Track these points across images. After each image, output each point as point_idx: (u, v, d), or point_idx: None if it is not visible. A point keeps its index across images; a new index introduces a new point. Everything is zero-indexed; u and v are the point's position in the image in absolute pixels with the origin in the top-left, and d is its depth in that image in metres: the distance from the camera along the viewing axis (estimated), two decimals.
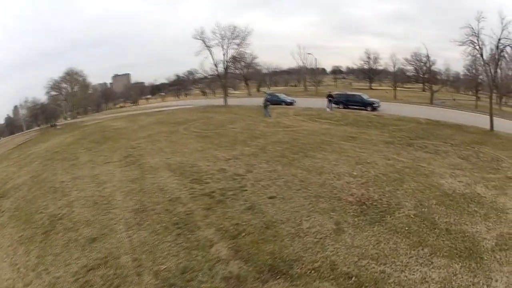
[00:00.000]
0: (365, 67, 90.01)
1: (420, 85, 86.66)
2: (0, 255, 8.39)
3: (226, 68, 41.39)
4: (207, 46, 39.18)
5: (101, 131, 26.84)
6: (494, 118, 22.40)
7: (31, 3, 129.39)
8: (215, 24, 41.33)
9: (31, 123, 65.86)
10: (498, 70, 23.57)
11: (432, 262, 6.50)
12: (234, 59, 42.69)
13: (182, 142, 18.41)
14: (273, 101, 35.89)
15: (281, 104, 37.20)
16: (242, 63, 61.82)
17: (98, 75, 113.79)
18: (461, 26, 23.00)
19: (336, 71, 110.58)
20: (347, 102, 33.86)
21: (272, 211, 9.05)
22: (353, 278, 6.18)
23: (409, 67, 68.90)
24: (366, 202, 9.48)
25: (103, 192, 11.36)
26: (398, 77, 59.51)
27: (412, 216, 8.58)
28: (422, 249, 6.95)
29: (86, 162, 16.23)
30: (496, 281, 5.93)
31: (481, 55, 23.26)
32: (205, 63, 48.39)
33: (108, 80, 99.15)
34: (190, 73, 47.29)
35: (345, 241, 7.45)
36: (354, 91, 44.56)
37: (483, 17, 22.00)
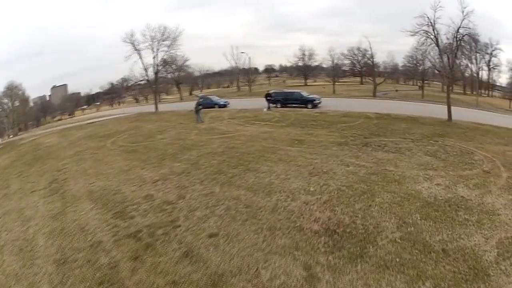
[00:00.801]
0: (299, 64, 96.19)
1: (357, 79, 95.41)
2: None
3: (156, 73, 42.81)
4: (136, 49, 40.66)
5: (34, 150, 26.39)
6: (443, 106, 24.20)
7: None
8: (145, 26, 43.06)
9: None
10: (446, 59, 25.27)
11: None
12: (165, 62, 44.45)
13: (108, 160, 17.81)
14: (206, 104, 37.02)
15: (214, 107, 38.69)
16: (173, 66, 64.60)
17: (38, 87, 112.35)
18: (415, 15, 24.42)
19: (269, 70, 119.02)
20: (285, 100, 33.88)
21: (217, 257, 7.61)
22: None
23: (346, 61, 73.93)
24: (337, 230, 8.12)
25: (27, 234, 10.48)
26: (336, 72, 62.64)
27: (399, 240, 7.52)
28: (423, 284, 6.22)
29: (16, 191, 15.37)
30: None
31: (437, 45, 24.72)
32: (135, 68, 48.13)
33: (48, 92, 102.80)
34: (124, 80, 48.18)
35: None
36: (289, 89, 45.23)
37: (440, 7, 23.48)
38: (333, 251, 7.28)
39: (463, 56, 63.81)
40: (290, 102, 33.70)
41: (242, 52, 72.10)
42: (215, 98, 42.65)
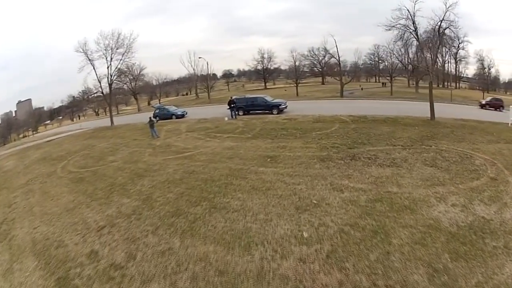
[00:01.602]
0: (258, 67, 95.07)
1: (319, 79, 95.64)
2: None
3: (110, 84, 40.46)
4: (89, 59, 38.53)
5: None
6: (416, 103, 23.15)
7: None
8: (98, 33, 39.96)
9: None
10: (428, 54, 24.18)
11: None
12: (120, 72, 42.35)
13: (55, 192, 15.60)
14: (163, 115, 37.14)
15: (172, 118, 37.07)
16: (130, 76, 64.18)
17: (4, 103, 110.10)
18: (393, 8, 23.20)
19: (227, 75, 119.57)
20: (247, 107, 31.42)
21: None
22: None
23: (306, 62, 73.19)
24: None
25: None
26: (297, 73, 61.38)
27: None
28: None
29: None
30: None
31: (417, 39, 23.55)
32: (88, 80, 44.60)
33: (14, 108, 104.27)
34: (84, 92, 44.76)
35: None
36: (248, 93, 43.19)
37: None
38: None
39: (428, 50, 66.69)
40: (253, 108, 31.32)
41: (200, 57, 70.38)
42: (172, 108, 40.77)
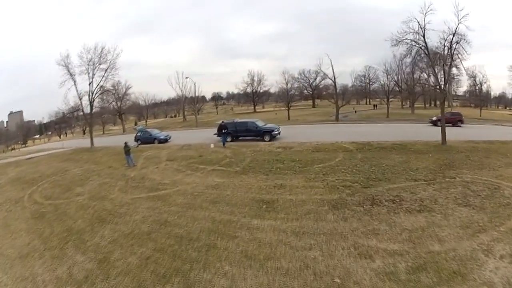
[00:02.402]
0: (248, 90, 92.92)
1: (309, 102, 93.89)
2: None
3: (91, 102, 37.39)
4: (70, 73, 35.55)
5: None
6: (417, 125, 20.44)
7: None
8: (82, 46, 36.93)
9: None
10: (441, 74, 21.42)
11: None
12: (103, 89, 38.93)
13: (15, 228, 13.61)
14: (144, 138, 34.80)
15: (154, 142, 34.01)
16: (116, 95, 63.09)
17: None
18: (403, 20, 20.76)
19: (216, 97, 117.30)
20: (236, 132, 27.96)
21: None
22: None
23: (296, 85, 71.07)
24: None
25: None
26: (290, 96, 58.89)
27: None
28: None
29: None
30: None
31: (428, 54, 20.84)
32: (69, 95, 42.14)
33: (5, 118, 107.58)
34: (74, 109, 41.74)
35: None
36: (237, 117, 40.15)
37: (431, 10, 19.69)
38: None
39: (420, 69, 65.16)
40: (243, 134, 27.96)
41: (187, 78, 66.88)
42: (155, 132, 37.25)
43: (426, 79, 25.87)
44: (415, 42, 20.79)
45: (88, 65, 35.27)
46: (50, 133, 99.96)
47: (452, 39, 19.74)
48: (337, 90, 51.96)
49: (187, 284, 7.29)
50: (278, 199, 12.01)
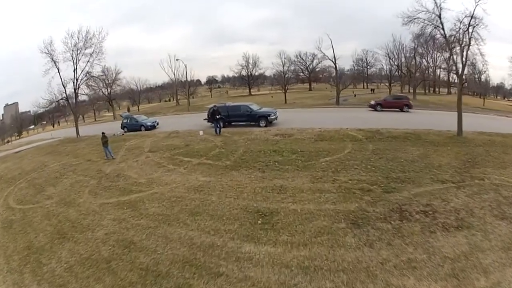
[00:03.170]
0: (243, 73, 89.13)
1: (306, 85, 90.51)
2: None
3: (76, 89, 34.12)
4: (53, 61, 32.19)
5: None
6: (423, 111, 17.70)
7: None
8: (65, 31, 34.41)
9: None
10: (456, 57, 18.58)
11: None
12: (89, 75, 35.09)
13: None
14: (131, 126, 32.35)
15: (141, 129, 31.35)
16: (106, 81, 60.00)
17: None
18: None
19: (211, 81, 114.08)
20: (229, 117, 24.81)
21: None
22: None
23: (292, 67, 67.71)
24: None
25: None
26: (286, 79, 55.47)
27: None
28: None
29: None
30: None
31: (444, 35, 17.95)
32: (53, 84, 36.90)
33: (1, 111, 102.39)
34: (70, 97, 38.59)
35: None
36: (232, 101, 36.89)
37: None
38: None
39: (420, 55, 62.52)
40: (236, 119, 24.98)
41: (177, 59, 63.04)
42: (141, 118, 34.30)
43: (446, 62, 22.74)
44: (429, 21, 17.87)
45: (72, 50, 32.00)
46: (44, 122, 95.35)
47: (470, 21, 16.93)
48: (332, 74, 48.47)
49: None
50: (278, 209, 9.24)
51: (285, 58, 61.14)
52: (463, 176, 11.30)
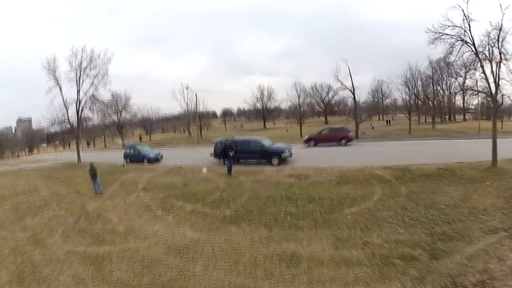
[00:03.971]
0: (258, 105, 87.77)
1: (321, 118, 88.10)
2: None
3: (79, 112, 32.31)
4: (55, 78, 30.67)
5: None
6: (445, 141, 15.19)
7: None
8: (70, 49, 31.52)
9: None
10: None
11: None
12: (93, 98, 32.92)
13: None
14: (133, 156, 30.23)
15: (144, 161, 29.04)
16: (116, 107, 59.44)
17: (3, 117, 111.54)
18: (446, 8, 15.69)
19: (226, 113, 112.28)
20: (237, 153, 21.32)
21: None
22: None
23: (307, 100, 65.57)
24: None
25: None
26: (301, 111, 53.00)
27: None
28: None
29: None
30: None
31: (476, 52, 15.38)
32: (56, 104, 35.51)
33: (14, 124, 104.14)
34: (84, 119, 37.98)
35: None
36: (246, 134, 34.40)
37: None
38: None
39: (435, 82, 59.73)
40: (244, 155, 21.95)
41: (187, 88, 59.62)
42: (145, 150, 31.76)
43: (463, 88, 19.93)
44: (458, 37, 15.51)
45: (76, 69, 30.43)
46: (57, 142, 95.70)
47: (499, 34, 14.59)
48: (356, 104, 45.37)
49: None
50: None
51: (300, 89, 58.68)
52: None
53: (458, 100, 72.82)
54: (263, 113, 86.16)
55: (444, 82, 63.88)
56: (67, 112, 32.44)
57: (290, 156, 21.67)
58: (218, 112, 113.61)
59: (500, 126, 49.02)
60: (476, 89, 18.94)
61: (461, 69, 17.70)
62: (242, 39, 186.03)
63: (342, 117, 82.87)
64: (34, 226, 13.24)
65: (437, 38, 16.15)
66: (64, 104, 31.68)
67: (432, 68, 56.89)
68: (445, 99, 66.81)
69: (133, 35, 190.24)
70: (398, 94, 57.90)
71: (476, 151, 17.72)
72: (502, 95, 15.72)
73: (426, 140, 32.67)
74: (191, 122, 69.71)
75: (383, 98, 73.67)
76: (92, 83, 31.07)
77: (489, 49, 15.36)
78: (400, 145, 28.24)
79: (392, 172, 15.12)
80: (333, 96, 76.85)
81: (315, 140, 29.59)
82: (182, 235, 9.81)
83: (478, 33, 15.64)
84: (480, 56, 15.58)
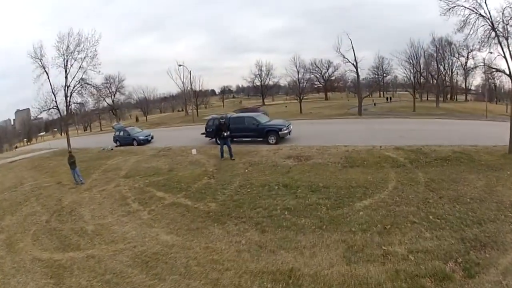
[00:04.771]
0: (256, 82, 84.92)
1: (321, 94, 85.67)
2: None
3: (68, 97, 29.64)
4: (43, 66, 28.05)
5: None
6: (453, 121, 17.10)
7: None
8: (57, 35, 28.79)
9: None
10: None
11: None
12: (82, 82, 30.04)
13: None
14: (122, 139, 28.92)
15: (133, 144, 27.52)
16: (108, 89, 58.31)
17: (2, 110, 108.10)
18: None
19: (225, 91, 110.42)
20: (230, 131, 17.92)
21: None
22: None
23: (307, 76, 62.75)
24: None
25: None
26: (301, 87, 50.35)
27: None
28: None
29: None
30: None
31: (493, 26, 13.47)
32: (43, 92, 33.01)
33: (12, 116, 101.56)
34: (82, 105, 35.87)
35: None
36: (237, 111, 32.18)
37: None
38: None
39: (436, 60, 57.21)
40: (239, 134, 19.75)
41: (180, 65, 55.13)
42: (135, 131, 30.03)
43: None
44: (473, 9, 13.55)
45: (63, 55, 27.93)
46: (55, 130, 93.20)
47: None
48: (358, 78, 42.80)
49: None
50: None
51: (299, 64, 55.69)
52: None
53: (460, 80, 70.98)
54: (262, 90, 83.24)
55: (446, 61, 61.85)
56: (55, 98, 29.79)
57: (289, 133, 19.56)
58: (217, 90, 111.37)
59: (505, 110, 46.96)
60: (495, 67, 16.73)
61: (463, 49, 15.65)
62: (238, 18, 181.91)
63: (343, 93, 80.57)
64: (10, 227, 11.49)
65: (450, 9, 14.15)
66: (52, 91, 29.19)
67: (435, 46, 54.67)
68: (447, 78, 64.81)
69: (129, 23, 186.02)
70: (399, 72, 55.12)
71: (487, 134, 17.12)
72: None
73: (431, 118, 30.72)
74: (188, 100, 66.91)
75: (384, 75, 70.95)
76: (81, 66, 28.59)
77: (503, 26, 13.41)
78: (407, 122, 26.25)
79: (405, 154, 13.15)
80: (333, 72, 74.01)
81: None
82: (154, 239, 7.80)
83: (492, 8, 13.61)
84: (496, 31, 13.50)
